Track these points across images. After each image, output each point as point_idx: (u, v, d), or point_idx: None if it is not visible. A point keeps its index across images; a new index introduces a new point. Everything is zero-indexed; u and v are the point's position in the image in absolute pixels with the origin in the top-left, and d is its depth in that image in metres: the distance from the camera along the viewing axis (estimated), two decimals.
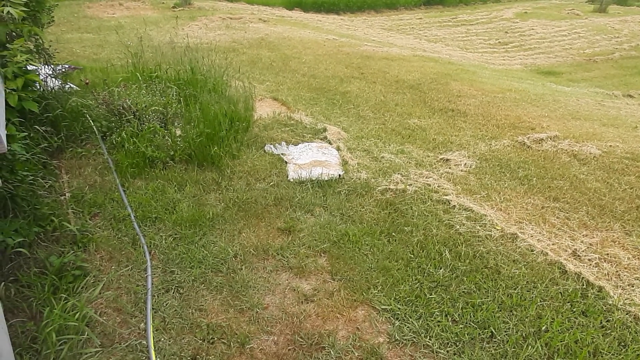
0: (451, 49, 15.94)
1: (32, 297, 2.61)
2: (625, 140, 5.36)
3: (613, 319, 2.66)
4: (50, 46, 4.64)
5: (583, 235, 3.45)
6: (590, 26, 19.40)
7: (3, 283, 2.55)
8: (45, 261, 2.83)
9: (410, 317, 2.69)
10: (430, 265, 3.08)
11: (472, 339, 2.56)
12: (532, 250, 3.23)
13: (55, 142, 4.22)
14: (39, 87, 4.29)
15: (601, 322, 2.65)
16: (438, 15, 21.80)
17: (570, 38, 18.23)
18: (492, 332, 2.59)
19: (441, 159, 4.61)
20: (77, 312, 2.37)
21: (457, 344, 2.53)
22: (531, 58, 15.93)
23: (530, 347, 2.49)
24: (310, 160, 4.29)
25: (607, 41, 17.65)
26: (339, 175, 4.09)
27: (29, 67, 3.77)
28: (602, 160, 4.68)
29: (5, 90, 3.41)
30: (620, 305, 2.76)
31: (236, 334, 2.57)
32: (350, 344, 2.54)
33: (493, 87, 7.77)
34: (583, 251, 3.23)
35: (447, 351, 2.49)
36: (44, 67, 4.62)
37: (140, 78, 5.20)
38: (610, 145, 5.05)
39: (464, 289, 2.89)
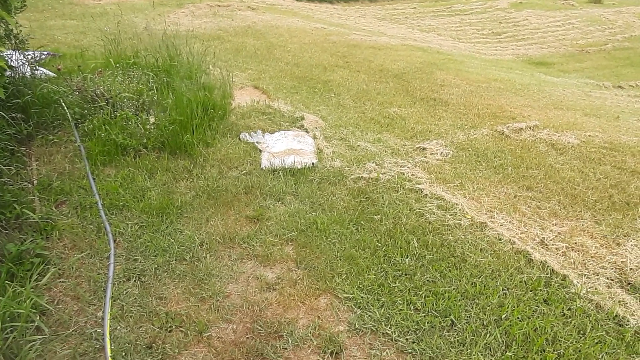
0: (443, 39, 15.85)
1: None
2: (605, 130, 5.34)
3: (574, 307, 2.66)
4: (20, 31, 4.53)
5: (553, 224, 3.43)
6: (584, 17, 19.32)
7: None
8: (3, 249, 2.79)
9: (372, 306, 2.67)
10: (397, 254, 3.06)
11: (432, 327, 2.55)
12: (500, 239, 3.22)
13: (25, 129, 4.15)
14: (7, 72, 4.20)
15: (562, 311, 2.64)
16: (433, 4, 21.65)
17: (564, 29, 18.16)
18: (452, 320, 2.57)
19: (418, 147, 4.57)
20: (27, 300, 2.33)
21: (417, 332, 2.52)
22: (524, 48, 15.87)
23: (489, 334, 2.48)
24: (284, 148, 4.24)
25: (601, 32, 17.59)
26: (313, 163, 4.05)
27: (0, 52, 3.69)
28: (580, 150, 4.66)
29: None
30: (583, 293, 2.75)
31: (195, 322, 2.54)
32: (310, 332, 2.52)
33: (479, 76, 7.72)
34: (551, 240, 3.22)
35: (406, 339, 2.48)
36: (15, 53, 4.53)
37: (114, 65, 5.10)
38: (590, 135, 5.03)
39: (429, 277, 2.87)
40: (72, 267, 2.86)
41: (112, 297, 2.68)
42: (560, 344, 2.43)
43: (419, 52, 9.47)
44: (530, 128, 5.09)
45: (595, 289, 2.80)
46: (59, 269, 2.84)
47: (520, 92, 6.88)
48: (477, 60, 10.62)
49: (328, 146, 4.46)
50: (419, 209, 3.54)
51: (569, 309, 2.65)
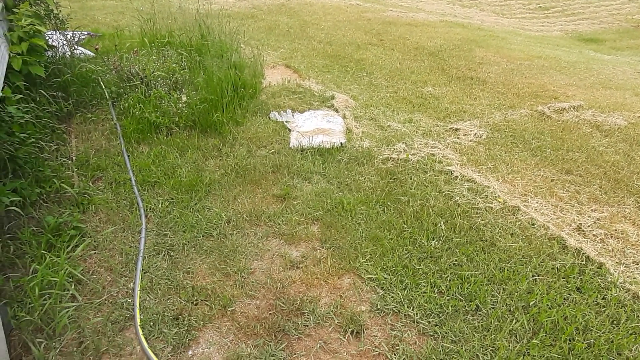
0: (485, 14, 15.14)
1: (29, 253, 2.73)
2: None
3: (609, 297, 2.53)
4: (60, 11, 4.68)
5: (592, 209, 3.25)
6: None
7: None
8: (43, 221, 2.94)
9: (396, 287, 2.65)
10: (423, 236, 3.00)
11: (456, 311, 2.50)
12: (533, 224, 3.09)
13: (65, 108, 4.32)
14: (47, 52, 4.36)
15: (595, 300, 2.52)
16: None
17: (619, 2, 16.95)
18: (477, 305, 2.51)
19: (450, 128, 4.42)
20: (62, 269, 2.46)
21: (440, 315, 2.48)
22: (573, 24, 14.95)
23: (515, 321, 2.41)
24: (313, 127, 4.21)
25: None
26: (341, 143, 4.01)
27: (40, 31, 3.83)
28: (627, 132, 4.37)
29: (9, 54, 3.49)
30: (620, 283, 2.61)
31: (220, 297, 2.60)
32: (332, 310, 2.53)
33: (521, 54, 7.34)
34: (589, 226, 3.06)
35: (429, 322, 2.44)
36: (55, 33, 4.69)
37: (148, 44, 5.19)
38: (639, 117, 4.70)
39: (455, 261, 2.81)
40: (106, 240, 2.98)
41: (143, 269, 2.78)
42: (591, 334, 2.33)
43: (458, 28, 9.10)
44: (573, 108, 4.81)
45: (634, 278, 2.65)
46: (94, 241, 2.97)
47: (565, 71, 6.49)
48: (520, 37, 10.09)
49: (357, 126, 4.39)
50: (448, 191, 3.44)
51: (603, 298, 2.53)
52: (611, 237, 2.98)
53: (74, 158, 3.82)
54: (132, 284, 2.70)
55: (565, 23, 15.09)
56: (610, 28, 14.62)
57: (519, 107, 4.94)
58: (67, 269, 2.48)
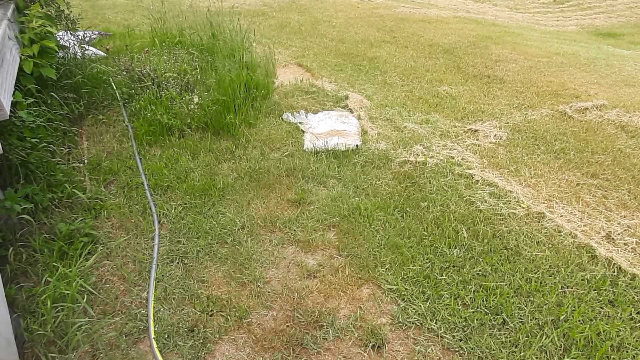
0: (499, 10, 14.86)
1: (41, 262, 2.68)
2: None
3: None
4: (71, 12, 4.62)
5: (621, 216, 3.12)
6: None
7: (12, 248, 2.63)
8: (55, 227, 2.89)
9: (417, 299, 2.55)
10: (445, 244, 2.89)
11: (481, 324, 2.39)
12: (559, 232, 2.96)
13: (76, 109, 4.27)
14: (58, 53, 4.31)
15: (630, 314, 2.39)
16: None
17: None
18: (504, 318, 2.40)
19: (469, 129, 4.29)
20: (74, 282, 2.39)
21: (465, 329, 2.37)
22: (589, 18, 14.62)
23: (545, 337, 2.29)
24: (328, 129, 4.11)
25: None
26: (357, 145, 3.90)
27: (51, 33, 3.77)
28: None
29: (20, 56, 3.44)
30: None
31: (235, 308, 2.52)
32: (351, 323, 2.44)
33: (538, 50, 7.15)
34: (619, 234, 2.92)
35: (453, 336, 2.34)
36: (66, 34, 4.64)
37: (159, 44, 5.12)
38: None
39: (479, 270, 2.70)
40: (119, 247, 2.92)
41: (156, 278, 2.72)
42: (627, 352, 2.21)
43: (472, 24, 8.91)
44: (596, 108, 4.64)
45: None
46: (107, 248, 2.91)
47: (585, 68, 6.30)
48: (536, 32, 9.86)
49: (373, 127, 4.28)
50: (469, 196, 3.32)
51: (638, 313, 2.40)
52: None
53: (86, 161, 3.76)
54: (145, 293, 2.64)
55: (581, 17, 14.75)
56: (628, 22, 14.26)
57: (539, 106, 4.79)
58: (78, 281, 2.41)
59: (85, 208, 3.20)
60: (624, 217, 3.11)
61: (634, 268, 2.65)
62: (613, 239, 2.90)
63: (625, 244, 2.85)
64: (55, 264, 2.59)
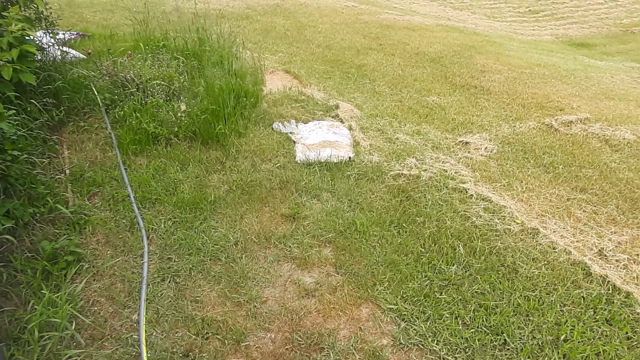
0: (477, 18, 15.16)
1: (24, 283, 2.52)
2: None
3: None
4: (51, 13, 4.42)
5: (611, 232, 3.17)
6: None
7: None
8: (37, 245, 2.73)
9: (418, 319, 2.52)
10: (442, 261, 2.88)
11: (483, 345, 2.38)
12: (554, 248, 2.99)
13: (56, 116, 4.07)
14: (38, 57, 4.11)
15: (627, 333, 2.43)
16: None
17: (607, 6, 17.16)
18: (505, 339, 2.40)
19: (460, 141, 4.31)
20: (62, 308, 2.26)
21: (467, 350, 2.35)
22: (563, 28, 15.08)
23: (546, 358, 2.30)
24: (319, 140, 4.05)
25: None
26: (349, 157, 3.86)
27: (30, 37, 3.59)
28: (637, 147, 4.31)
29: None
30: None
31: (232, 330, 2.44)
32: (352, 345, 2.39)
33: (520, 61, 7.29)
34: (610, 250, 2.97)
35: (455, 357, 2.32)
36: (45, 36, 4.42)
37: (143, 48, 4.96)
38: None
39: (477, 289, 2.69)
40: (106, 266, 2.78)
41: (147, 299, 2.60)
42: None
43: (455, 33, 9.02)
44: (581, 121, 4.75)
45: None
46: (93, 267, 2.77)
47: (566, 79, 6.45)
48: (515, 42, 10.07)
49: (365, 138, 4.24)
50: (464, 210, 3.32)
51: (634, 332, 2.44)
52: (634, 262, 2.89)
53: (67, 172, 3.59)
54: (136, 315, 2.52)
55: (555, 27, 15.19)
56: (600, 32, 14.77)
57: (526, 119, 4.86)
58: (66, 307, 2.28)
59: (68, 223, 3.05)
60: (614, 232, 3.17)
61: (628, 286, 2.69)
62: (605, 255, 2.94)
63: (617, 260, 2.89)
64: (40, 286, 2.44)
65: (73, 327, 2.28)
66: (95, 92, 4.37)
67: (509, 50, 8.14)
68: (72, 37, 6.02)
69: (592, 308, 2.57)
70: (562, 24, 15.49)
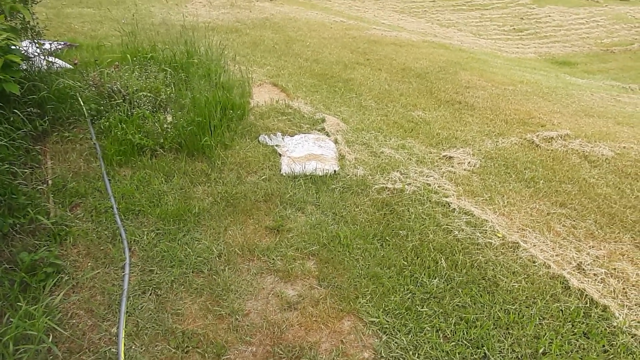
0: (463, 35, 15.48)
1: (0, 295, 2.47)
2: None
3: (617, 343, 2.48)
4: (37, 23, 4.41)
5: (589, 246, 3.24)
6: (609, 14, 18.72)
7: None
8: (16, 256, 2.69)
9: (399, 332, 2.53)
10: (424, 274, 2.90)
11: (463, 358, 2.39)
12: (534, 262, 3.03)
13: (40, 126, 4.04)
14: (23, 67, 4.09)
15: (604, 346, 2.47)
16: None
17: (588, 26, 17.64)
18: (485, 352, 2.42)
19: (444, 156, 4.37)
20: (39, 320, 2.22)
21: None
22: (546, 46, 15.46)
23: None
24: (305, 153, 4.08)
25: (627, 31, 17.05)
26: (334, 171, 3.89)
27: (15, 46, 3.57)
28: (615, 163, 4.42)
29: None
30: (626, 327, 2.57)
31: (213, 343, 2.42)
32: (333, 358, 2.39)
33: (504, 78, 7.45)
34: (588, 264, 3.03)
35: None
36: (31, 46, 4.41)
37: (130, 59, 4.96)
38: (624, 147, 4.78)
39: (459, 302, 2.71)
40: (86, 278, 2.75)
41: (127, 311, 2.57)
42: None
43: (441, 49, 9.20)
44: (561, 137, 4.86)
45: (639, 322, 2.62)
46: (73, 279, 2.74)
47: (548, 97, 6.61)
48: (500, 59, 10.31)
49: (350, 152, 4.29)
50: (446, 224, 3.36)
51: (611, 345, 2.48)
52: (611, 276, 2.95)
53: (50, 182, 3.55)
54: (115, 328, 2.48)
55: (538, 45, 15.58)
56: (582, 51, 15.19)
57: (509, 134, 4.96)
58: (44, 321, 2.24)
59: (49, 234, 3.01)
60: (592, 247, 3.23)
61: (605, 299, 2.74)
62: (584, 269, 3.00)
63: (595, 274, 2.95)
64: (17, 298, 2.40)
65: (50, 340, 2.24)
66: (81, 103, 4.35)
67: (493, 67, 8.32)
68: (59, 47, 6.01)
69: (570, 321, 2.61)
70: (545, 43, 15.89)
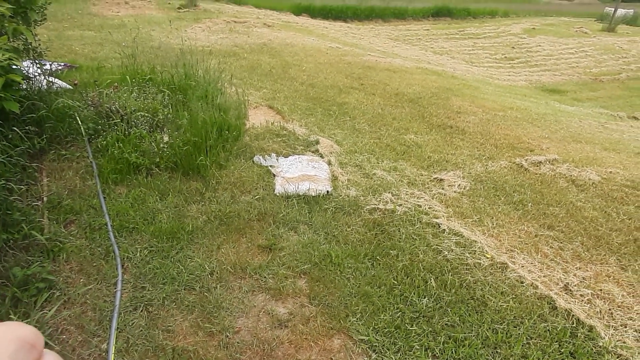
0: (456, 62, 15.86)
1: None
2: (627, 166, 5.21)
3: None
4: (39, 44, 4.53)
5: (576, 267, 3.29)
6: (598, 45, 19.29)
7: None
8: (9, 271, 2.70)
9: (389, 350, 2.55)
10: (414, 293, 2.94)
11: None
12: (522, 282, 3.08)
13: (38, 144, 4.10)
14: (23, 86, 4.18)
15: None
16: (446, 27, 21.76)
17: (577, 56, 18.13)
18: None
19: (435, 178, 4.46)
20: None
21: None
22: (537, 75, 15.84)
23: None
24: (299, 174, 4.16)
25: (615, 61, 17.54)
26: (327, 191, 3.96)
27: (17, 66, 3.67)
28: (601, 187, 4.53)
29: None
30: (611, 347, 2.60)
31: None
32: None
33: (495, 104, 7.64)
34: (575, 285, 3.08)
35: None
36: (32, 66, 4.51)
37: (129, 81, 5.08)
38: (611, 172, 4.90)
39: (448, 321, 2.74)
40: (78, 294, 2.76)
41: (118, 328, 2.58)
42: None
43: (433, 76, 9.43)
44: (549, 162, 4.98)
45: (624, 342, 2.66)
46: (65, 295, 2.75)
47: (537, 122, 6.78)
48: (491, 86, 10.57)
49: (343, 173, 4.37)
50: (436, 245, 3.42)
51: None
52: (597, 297, 3.00)
53: (45, 199, 3.59)
54: (105, 344, 2.49)
55: (529, 73, 15.98)
56: (571, 80, 15.58)
57: (498, 158, 5.07)
58: None
59: (42, 250, 3.03)
60: (579, 268, 3.29)
61: (591, 320, 2.78)
62: (570, 290, 3.04)
63: (581, 295, 3.00)
64: (8, 312, 2.41)
65: None
66: (79, 122, 4.43)
67: (484, 94, 8.53)
68: (60, 67, 6.13)
69: (557, 341, 2.64)
70: (536, 71, 16.29)
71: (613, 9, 22.42)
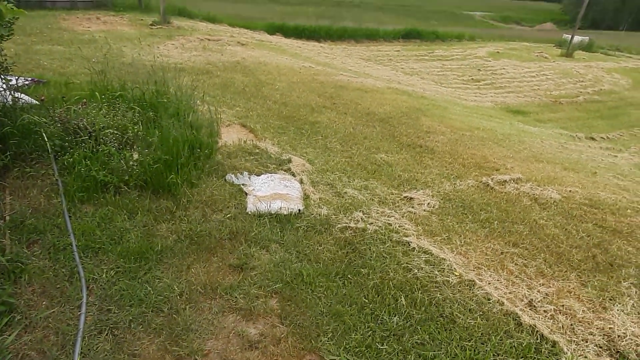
0: (426, 83, 16.33)
1: None
2: (585, 185, 5.47)
3: None
4: (5, 59, 4.42)
5: (540, 284, 3.41)
6: (557, 69, 20.29)
7: None
8: None
9: None
10: (385, 311, 2.97)
11: None
12: (488, 299, 3.17)
13: (1, 161, 3.97)
14: None
15: None
16: (415, 48, 22.43)
17: (539, 79, 19.00)
18: None
19: (405, 197, 4.56)
20: None
21: None
22: (501, 96, 16.47)
23: None
24: (271, 192, 4.17)
25: (573, 85, 18.47)
26: (299, 210, 3.98)
27: None
28: (562, 206, 4.73)
29: None
30: None
31: None
32: None
33: (462, 124, 7.90)
34: (539, 301, 3.19)
35: None
36: None
37: (99, 97, 5.00)
38: (570, 190, 5.14)
39: (418, 339, 2.78)
40: (40, 317, 2.66)
41: (81, 352, 2.49)
42: None
43: (404, 96, 9.69)
44: (513, 181, 5.17)
45: (585, 357, 2.76)
46: (26, 319, 2.64)
47: (502, 142, 7.04)
48: (459, 107, 10.92)
49: (315, 192, 4.40)
50: (406, 263, 3.48)
51: None
52: (560, 312, 3.11)
53: (7, 218, 3.46)
54: None
55: (495, 95, 16.62)
56: (533, 102, 16.28)
57: (466, 177, 5.23)
58: None
59: (3, 271, 2.91)
60: (543, 284, 3.41)
61: (554, 335, 2.88)
62: (534, 306, 3.15)
63: (545, 311, 3.10)
64: None
65: None
66: (45, 138, 4.31)
67: (452, 114, 8.81)
68: (27, 83, 5.97)
69: (522, 357, 2.72)
70: (501, 92, 16.95)
71: (570, 36, 23.72)
